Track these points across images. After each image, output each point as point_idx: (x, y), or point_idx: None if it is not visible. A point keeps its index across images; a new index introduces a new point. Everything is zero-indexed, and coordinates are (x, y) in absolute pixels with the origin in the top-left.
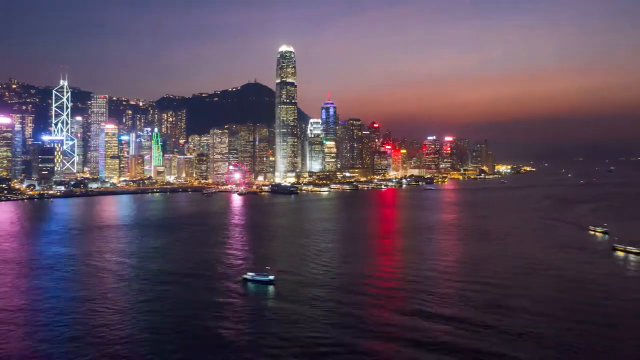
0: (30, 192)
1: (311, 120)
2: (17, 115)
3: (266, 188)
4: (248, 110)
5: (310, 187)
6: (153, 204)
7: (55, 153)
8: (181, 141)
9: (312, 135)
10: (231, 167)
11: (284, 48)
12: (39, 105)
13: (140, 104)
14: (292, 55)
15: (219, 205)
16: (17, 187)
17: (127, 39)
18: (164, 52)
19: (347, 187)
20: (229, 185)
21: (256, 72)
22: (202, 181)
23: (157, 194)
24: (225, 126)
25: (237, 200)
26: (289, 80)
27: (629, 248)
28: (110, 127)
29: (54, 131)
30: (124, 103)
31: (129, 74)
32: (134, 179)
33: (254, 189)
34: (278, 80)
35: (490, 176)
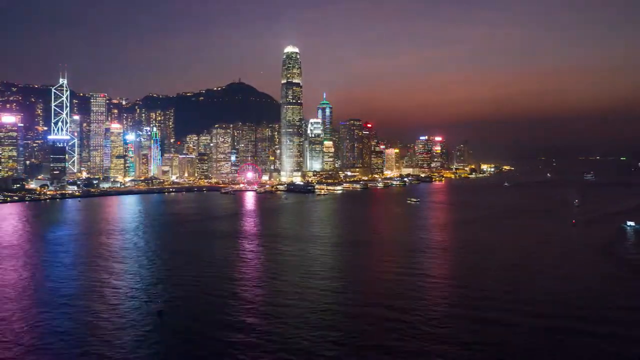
0: (50, 192)
1: (311, 120)
2: (6, 114)
3: (281, 187)
4: (235, 110)
5: (324, 187)
6: (197, 202)
7: (66, 152)
8: (172, 140)
9: (313, 135)
10: (242, 166)
11: (289, 49)
12: (22, 103)
13: (124, 102)
14: (298, 56)
15: (274, 204)
16: (26, 187)
17: (104, 36)
18: (140, 50)
19: (357, 186)
20: (241, 185)
21: (240, 72)
22: (207, 180)
23: (172, 193)
24: (222, 125)
25: (265, 199)
26: (295, 80)
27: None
28: (116, 127)
29: (54, 130)
30: (107, 102)
31: (108, 72)
32: (140, 178)
33: (269, 188)
34: (284, 81)
35: (480, 175)
